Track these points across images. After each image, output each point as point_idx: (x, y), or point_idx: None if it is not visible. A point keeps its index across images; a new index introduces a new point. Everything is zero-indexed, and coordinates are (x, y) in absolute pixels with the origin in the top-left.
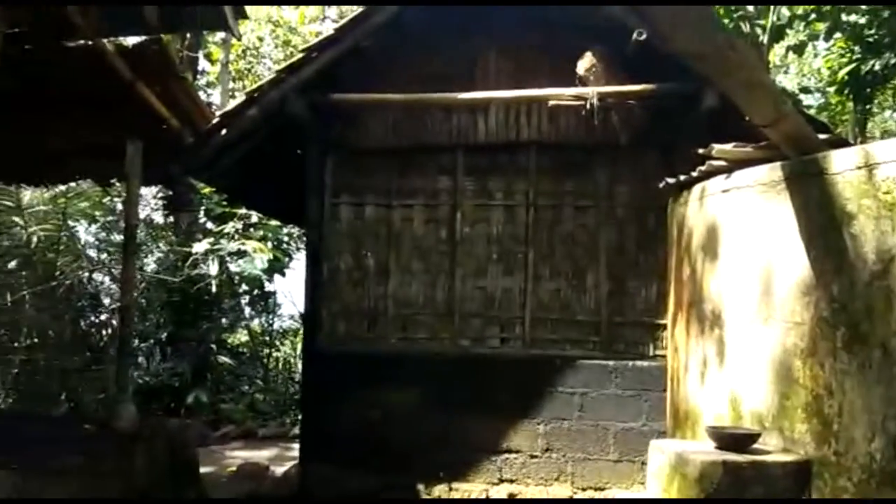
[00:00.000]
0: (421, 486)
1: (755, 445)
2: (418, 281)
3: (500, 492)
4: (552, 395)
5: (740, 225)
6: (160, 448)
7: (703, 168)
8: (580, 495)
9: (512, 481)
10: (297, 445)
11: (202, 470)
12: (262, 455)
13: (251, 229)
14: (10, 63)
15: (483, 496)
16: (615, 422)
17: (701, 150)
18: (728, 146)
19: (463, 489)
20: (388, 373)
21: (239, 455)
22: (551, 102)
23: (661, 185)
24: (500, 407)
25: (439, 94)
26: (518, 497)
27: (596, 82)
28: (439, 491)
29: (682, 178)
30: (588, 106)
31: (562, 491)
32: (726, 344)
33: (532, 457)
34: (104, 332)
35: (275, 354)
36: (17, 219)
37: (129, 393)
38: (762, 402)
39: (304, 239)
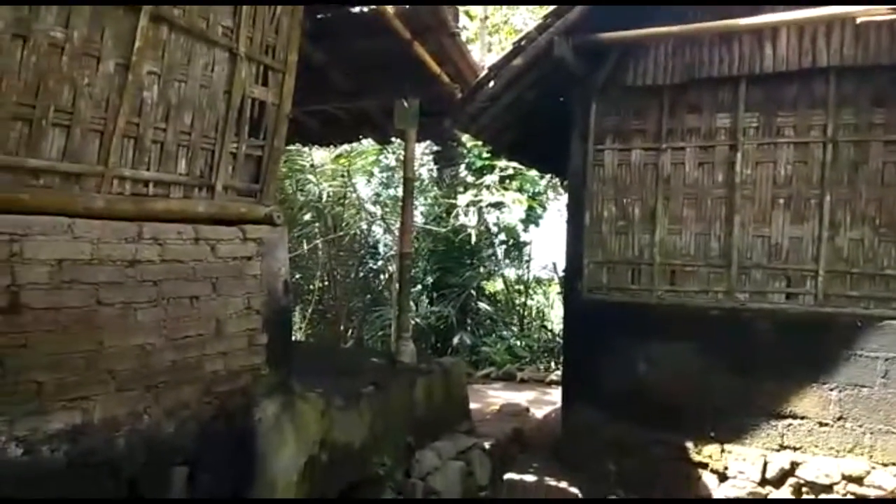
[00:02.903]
0: (689, 444)
1: None
2: (689, 229)
3: (781, 459)
4: (849, 359)
5: None
6: (436, 383)
7: None
8: (879, 471)
9: (795, 449)
10: (553, 390)
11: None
12: (521, 397)
13: (508, 181)
14: (309, 33)
15: (761, 461)
16: None
17: None
18: None
19: (737, 452)
20: (654, 325)
21: (500, 395)
22: (860, 19)
23: None
24: (783, 368)
25: (719, 21)
26: (801, 465)
27: None
28: (710, 451)
29: None
30: None
31: (856, 464)
32: None
33: (821, 424)
34: (381, 278)
35: (528, 303)
36: (310, 177)
37: (410, 331)
38: None
39: (560, 189)
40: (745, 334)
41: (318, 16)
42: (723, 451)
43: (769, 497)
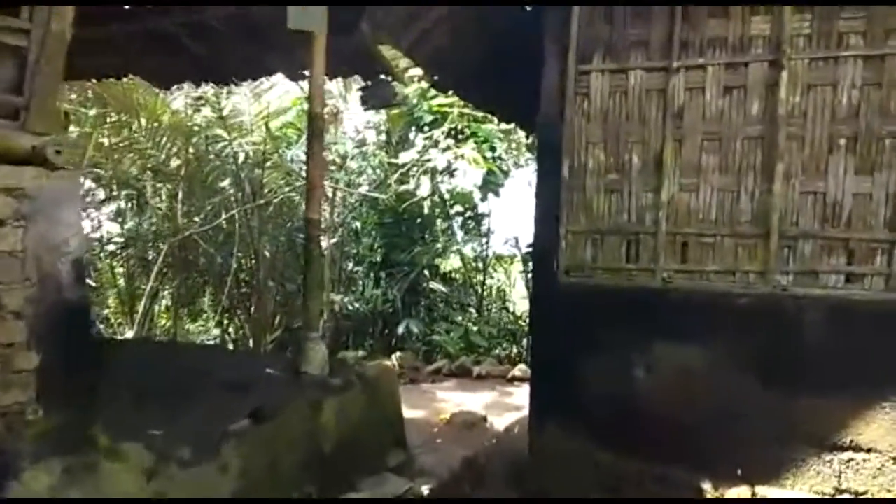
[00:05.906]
0: (706, 486)
1: None
2: (710, 184)
3: None
4: None
5: None
6: (355, 402)
7: None
8: None
9: (858, 493)
10: (515, 389)
11: (410, 414)
12: (477, 399)
13: (463, 143)
14: None
15: None
16: None
17: None
18: None
19: (774, 497)
20: (658, 318)
21: (452, 397)
22: None
23: None
24: (841, 379)
25: None
26: None
27: None
28: (735, 494)
29: None
30: None
31: None
32: None
33: (895, 460)
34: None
35: (488, 282)
36: (220, 131)
37: (319, 330)
38: None
39: (524, 152)
40: (788, 332)
41: None
42: (753, 494)
43: None
